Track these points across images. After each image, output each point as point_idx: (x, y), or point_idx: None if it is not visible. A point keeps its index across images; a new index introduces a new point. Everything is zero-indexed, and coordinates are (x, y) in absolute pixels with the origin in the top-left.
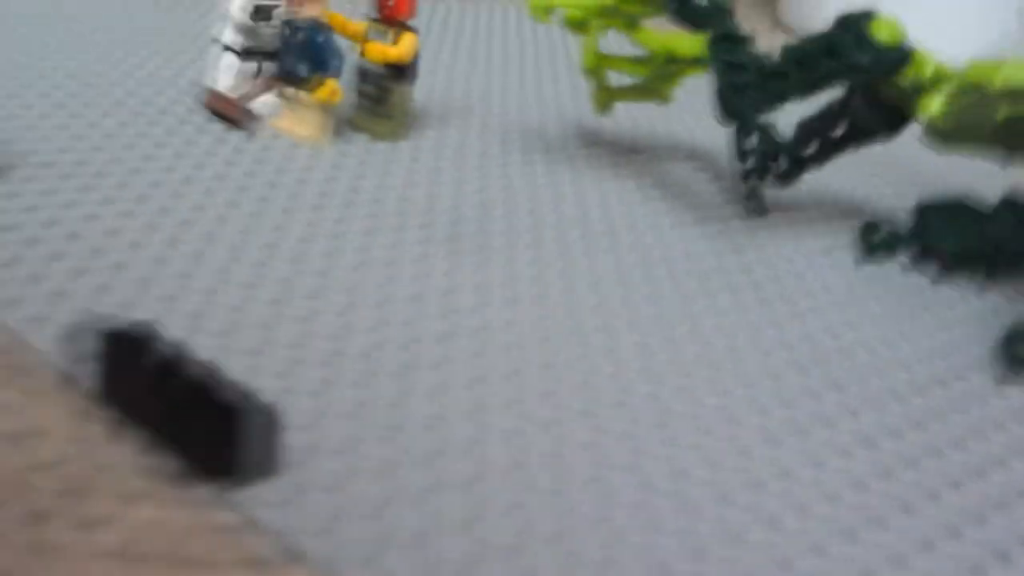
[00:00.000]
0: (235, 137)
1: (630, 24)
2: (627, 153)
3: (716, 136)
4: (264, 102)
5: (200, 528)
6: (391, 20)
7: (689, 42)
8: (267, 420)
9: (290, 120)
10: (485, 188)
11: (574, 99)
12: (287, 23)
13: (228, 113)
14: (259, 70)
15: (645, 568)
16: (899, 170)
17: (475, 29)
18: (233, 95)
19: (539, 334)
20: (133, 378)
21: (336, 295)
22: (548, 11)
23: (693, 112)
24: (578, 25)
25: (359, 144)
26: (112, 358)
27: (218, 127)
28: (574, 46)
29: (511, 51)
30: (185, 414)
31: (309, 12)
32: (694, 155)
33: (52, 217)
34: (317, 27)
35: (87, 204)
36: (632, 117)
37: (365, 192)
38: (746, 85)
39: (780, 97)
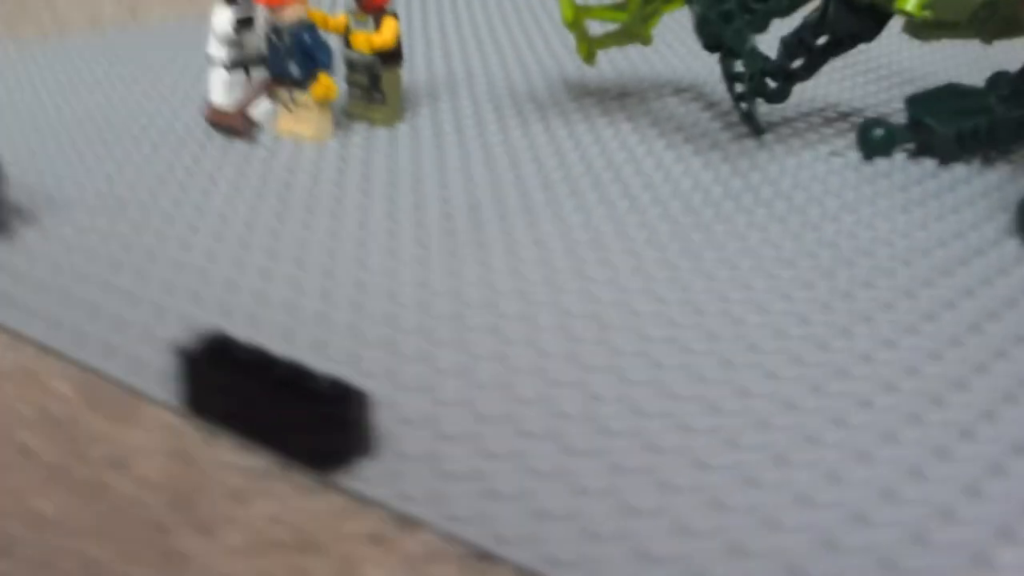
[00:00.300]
0: (240, 146)
1: None
2: (617, 98)
3: (697, 67)
4: (261, 108)
5: (315, 513)
6: (370, 8)
7: None
8: (360, 403)
9: (290, 121)
10: (490, 155)
11: (553, 56)
12: (272, 28)
13: (228, 124)
14: (247, 78)
15: (706, 503)
16: (884, 71)
17: (442, 4)
18: (230, 106)
19: (577, 285)
20: (218, 385)
21: (380, 279)
22: None
23: (671, 48)
24: None
25: (360, 133)
26: (193, 371)
27: (221, 139)
28: (543, 6)
29: (483, 20)
30: (278, 409)
31: (291, 14)
32: (680, 89)
33: (92, 251)
34: (302, 27)
35: (120, 234)
36: (612, 63)
37: (378, 178)
38: (731, 13)
39: (765, 18)
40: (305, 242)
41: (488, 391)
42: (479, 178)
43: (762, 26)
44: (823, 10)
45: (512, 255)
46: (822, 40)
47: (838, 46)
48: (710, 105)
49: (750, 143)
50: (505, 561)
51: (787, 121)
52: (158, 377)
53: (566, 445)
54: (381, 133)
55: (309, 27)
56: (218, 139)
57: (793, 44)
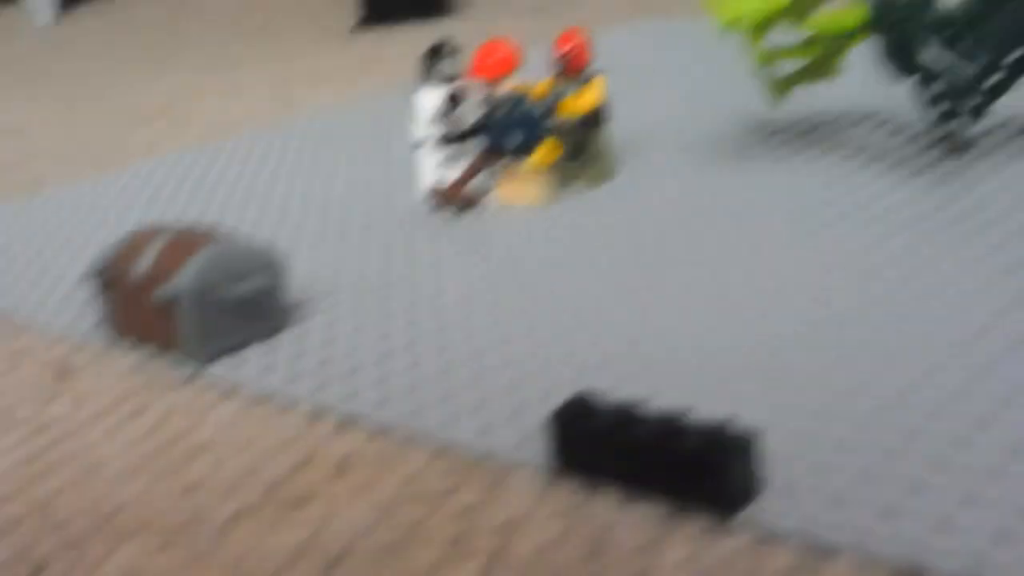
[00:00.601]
0: (470, 219)
1: (803, 15)
2: (808, 132)
3: (868, 94)
4: (479, 180)
5: (727, 554)
6: (574, 71)
7: (849, 16)
8: (748, 444)
9: (510, 189)
10: (715, 196)
11: (739, 98)
12: (487, 101)
13: (453, 200)
14: (455, 154)
15: None
16: None
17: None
18: (449, 183)
19: (824, 313)
20: (591, 442)
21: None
22: (736, 22)
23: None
24: (759, 29)
25: (577, 194)
26: (561, 432)
27: (449, 215)
28: (724, 51)
29: (667, 71)
30: (662, 457)
31: (508, 86)
32: (861, 118)
33: (381, 334)
34: (517, 97)
35: (395, 316)
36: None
37: (620, 231)
38: (953, 37)
39: (986, 39)
40: (584, 298)
41: (817, 417)
42: (713, 215)
43: (987, 48)
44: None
45: (747, 288)
46: (1017, 55)
47: None
48: (899, 130)
49: (955, 163)
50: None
51: (990, 135)
52: (518, 443)
53: (929, 456)
54: (597, 192)
55: (524, 97)
56: (446, 215)
57: (989, 61)
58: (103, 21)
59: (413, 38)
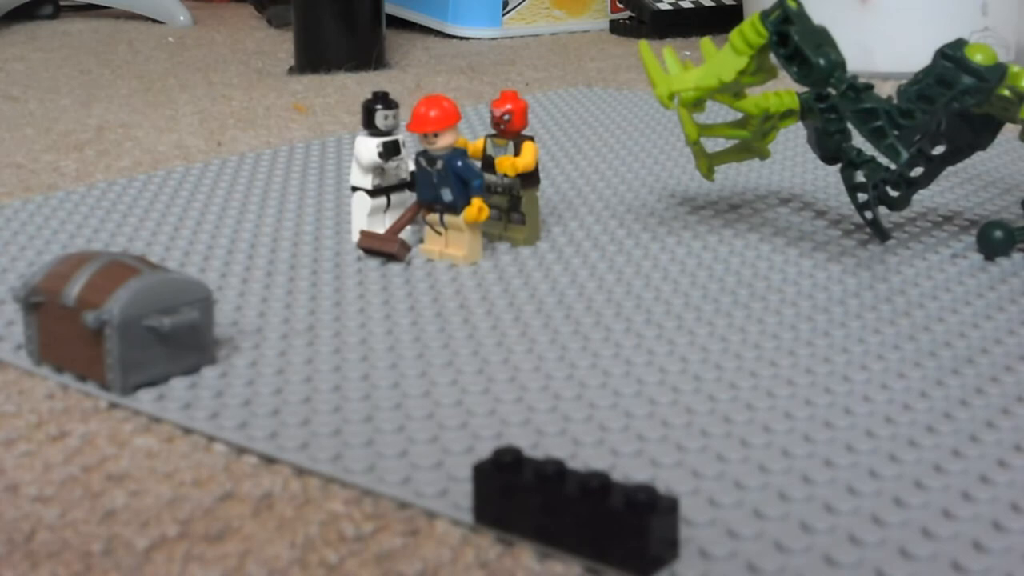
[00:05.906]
0: (397, 269)
1: (737, 95)
2: (733, 210)
3: (798, 176)
4: (410, 232)
5: None
6: (510, 133)
7: (780, 99)
8: (670, 509)
9: (438, 243)
10: (639, 265)
11: (668, 171)
12: (422, 154)
13: (383, 248)
14: (388, 204)
15: None
16: (999, 178)
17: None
18: (381, 231)
19: (731, 393)
20: (512, 498)
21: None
22: (672, 97)
23: (762, 162)
24: (695, 104)
25: (506, 253)
26: (484, 483)
27: (376, 263)
28: (657, 123)
29: (602, 139)
30: (584, 517)
31: (444, 142)
32: (785, 199)
33: (306, 376)
34: (454, 153)
35: (321, 359)
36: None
37: (546, 292)
38: (882, 128)
39: (913, 133)
40: (508, 355)
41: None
42: (636, 287)
43: (912, 141)
44: (945, 122)
45: (672, 363)
46: (939, 149)
47: (955, 155)
48: (820, 214)
49: (875, 248)
50: None
51: (909, 227)
52: (439, 492)
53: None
54: (525, 252)
55: (461, 153)
56: (373, 263)
57: (912, 154)
58: (36, 45)
59: (347, 87)
